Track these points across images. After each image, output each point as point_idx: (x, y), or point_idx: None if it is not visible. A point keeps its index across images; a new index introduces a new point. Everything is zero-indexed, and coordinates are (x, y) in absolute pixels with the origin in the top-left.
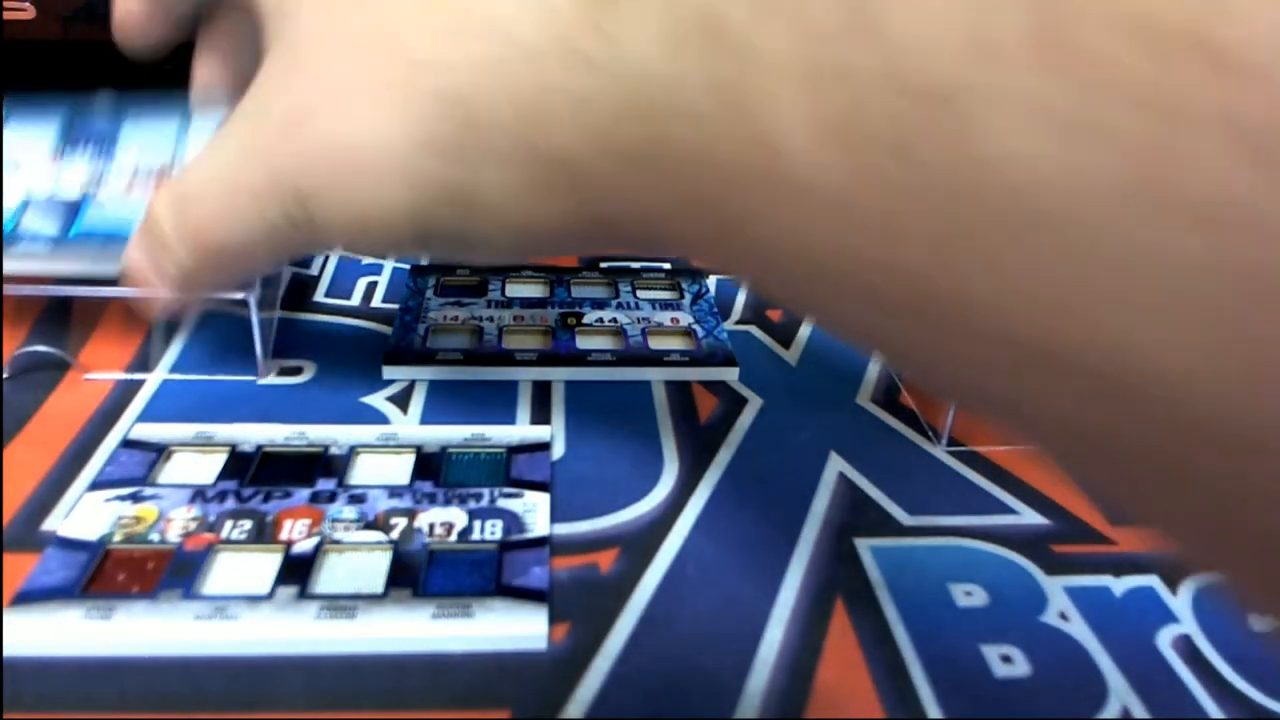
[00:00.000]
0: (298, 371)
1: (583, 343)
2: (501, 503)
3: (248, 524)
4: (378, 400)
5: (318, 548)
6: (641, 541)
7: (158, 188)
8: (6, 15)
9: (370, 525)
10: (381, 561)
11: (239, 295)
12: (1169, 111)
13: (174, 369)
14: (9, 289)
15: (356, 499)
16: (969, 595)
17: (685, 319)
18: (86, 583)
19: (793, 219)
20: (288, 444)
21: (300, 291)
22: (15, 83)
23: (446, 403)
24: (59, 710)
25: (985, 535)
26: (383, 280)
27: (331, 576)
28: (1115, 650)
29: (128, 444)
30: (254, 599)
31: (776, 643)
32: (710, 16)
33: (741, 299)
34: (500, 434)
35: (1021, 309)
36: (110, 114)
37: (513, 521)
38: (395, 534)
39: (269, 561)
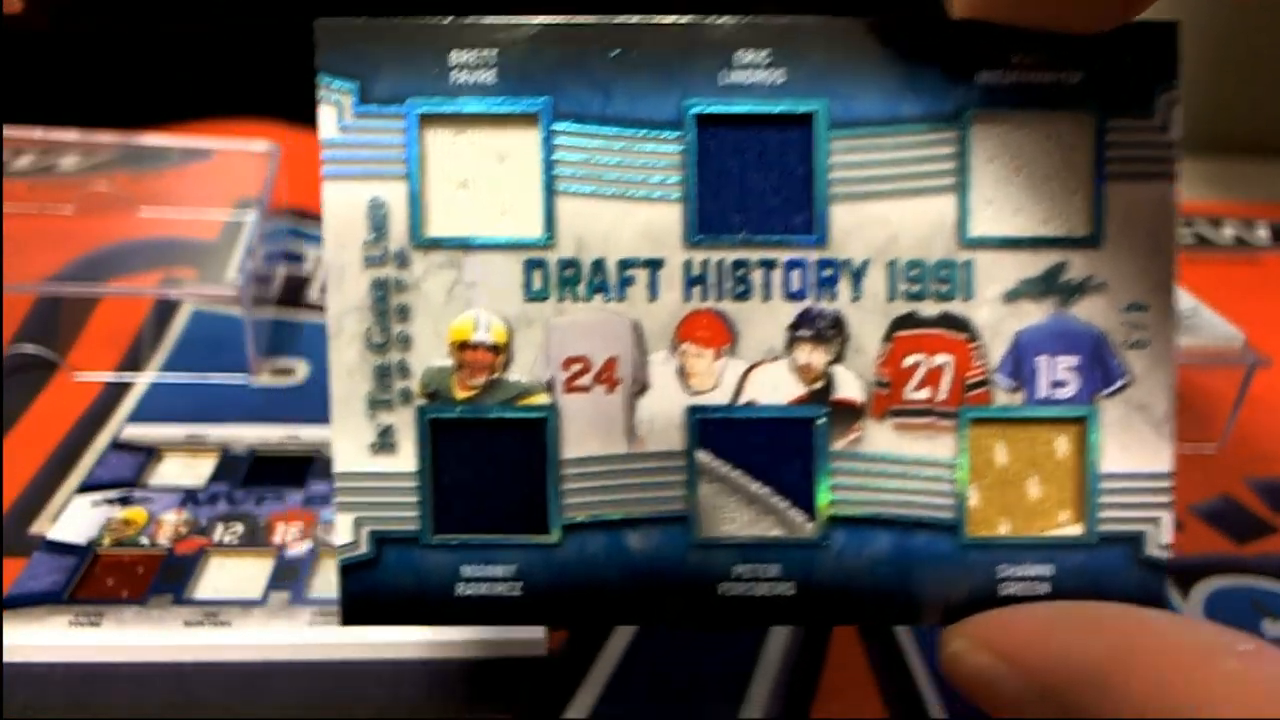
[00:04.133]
0: (291, 372)
1: None
2: None
3: (239, 528)
4: None
5: (311, 552)
6: None
7: None
8: None
9: None
10: None
11: (230, 293)
12: None
13: (165, 369)
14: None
15: None
16: None
17: None
18: (75, 587)
19: None
20: (280, 446)
21: (294, 289)
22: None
23: None
24: (47, 718)
25: None
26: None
27: (325, 581)
28: None
29: (117, 446)
30: (246, 604)
31: (781, 644)
32: None
33: None
34: None
35: None
36: None
37: None
38: None
39: (261, 566)
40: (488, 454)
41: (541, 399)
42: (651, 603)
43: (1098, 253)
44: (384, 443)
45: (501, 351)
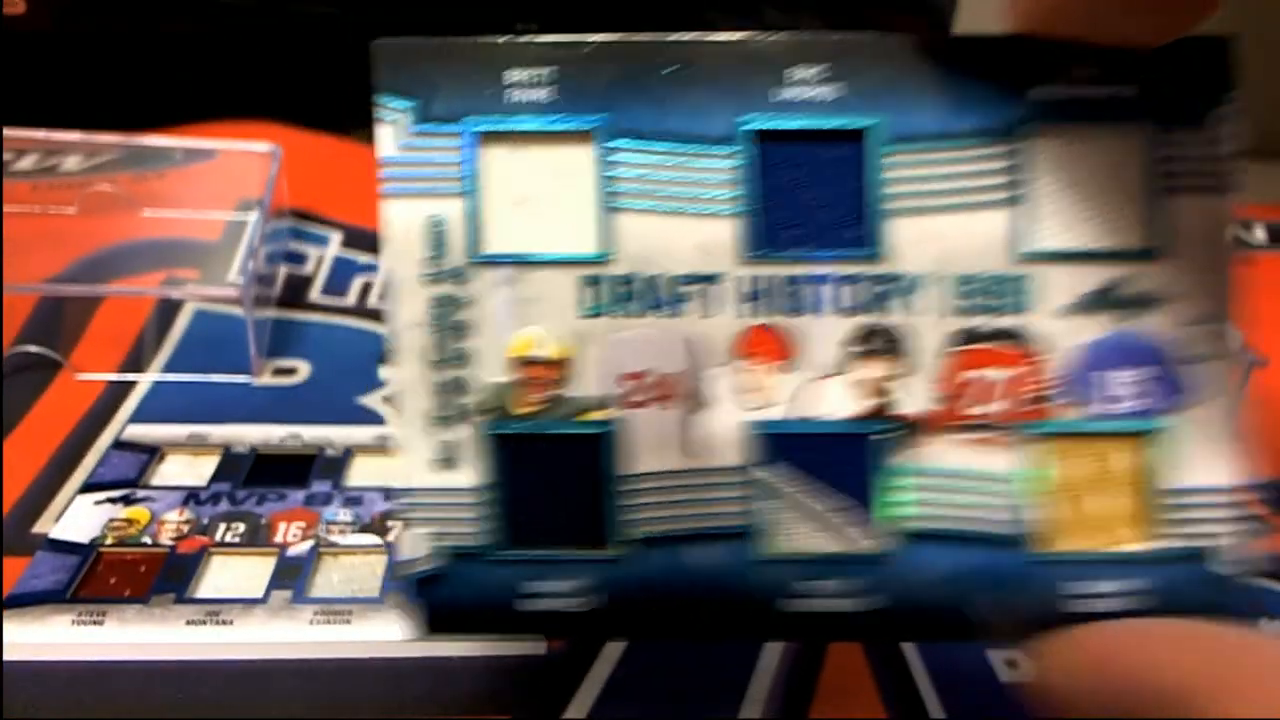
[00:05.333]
0: (293, 372)
1: None
2: None
3: (241, 527)
4: (374, 401)
5: (313, 551)
6: None
7: None
8: None
9: (366, 528)
10: (378, 565)
11: (232, 293)
12: None
13: (167, 369)
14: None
15: (352, 501)
16: None
17: None
18: (77, 586)
19: None
20: (282, 445)
21: (296, 290)
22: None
23: None
24: (49, 716)
25: None
26: (379, 279)
27: (327, 580)
28: None
29: (120, 445)
30: (248, 603)
31: (780, 644)
32: None
33: None
34: None
35: None
36: None
37: None
38: (392, 537)
39: (263, 565)
40: (547, 469)
41: (600, 415)
42: (711, 618)
43: (1155, 266)
44: (445, 459)
45: (560, 367)
